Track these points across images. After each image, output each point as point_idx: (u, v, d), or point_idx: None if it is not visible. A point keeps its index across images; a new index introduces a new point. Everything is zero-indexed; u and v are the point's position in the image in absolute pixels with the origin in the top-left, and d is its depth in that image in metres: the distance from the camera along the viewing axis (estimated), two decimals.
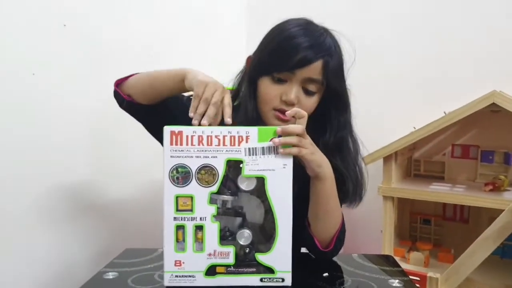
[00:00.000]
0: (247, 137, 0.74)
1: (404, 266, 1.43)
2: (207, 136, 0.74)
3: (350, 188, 0.97)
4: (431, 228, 1.65)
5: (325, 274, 0.86)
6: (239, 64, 1.05)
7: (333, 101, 0.95)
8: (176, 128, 0.74)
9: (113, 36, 1.33)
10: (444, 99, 1.60)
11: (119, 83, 1.01)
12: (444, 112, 1.46)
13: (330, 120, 0.96)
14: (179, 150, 0.74)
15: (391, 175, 1.49)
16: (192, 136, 0.74)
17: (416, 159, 1.70)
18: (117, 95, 1.01)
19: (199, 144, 0.74)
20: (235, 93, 1.01)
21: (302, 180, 0.86)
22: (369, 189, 1.55)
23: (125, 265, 0.93)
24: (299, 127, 0.78)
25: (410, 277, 0.88)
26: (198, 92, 0.80)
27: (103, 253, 1.29)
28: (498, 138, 1.53)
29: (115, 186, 1.37)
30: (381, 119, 1.76)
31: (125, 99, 0.98)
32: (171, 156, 0.74)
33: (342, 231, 0.94)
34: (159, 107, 0.98)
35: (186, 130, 0.74)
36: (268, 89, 0.90)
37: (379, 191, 1.50)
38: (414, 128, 1.55)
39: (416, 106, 1.69)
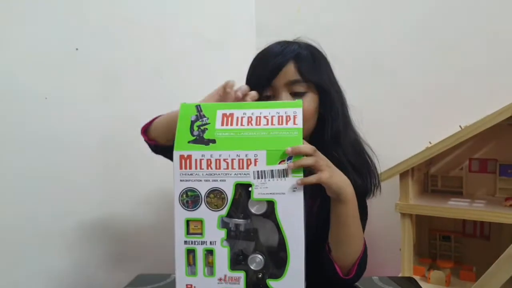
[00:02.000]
0: (255, 160, 0.72)
1: (425, 286, 1.39)
2: (216, 160, 0.73)
3: (357, 179, 0.92)
4: (451, 245, 1.60)
5: None
6: None
7: (323, 97, 0.94)
8: (186, 152, 0.74)
9: (124, 59, 1.33)
10: (459, 113, 1.57)
11: (145, 129, 1.02)
12: (460, 126, 1.43)
13: (324, 116, 0.95)
14: (188, 174, 0.74)
15: (408, 191, 1.46)
16: (201, 160, 0.73)
17: (433, 174, 1.66)
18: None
19: (207, 168, 0.73)
20: None
21: (323, 197, 0.84)
22: (385, 206, 1.53)
23: None
24: (310, 147, 0.75)
25: None
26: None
27: (115, 278, 1.27)
28: None
29: (126, 210, 1.35)
30: (396, 135, 1.73)
31: (150, 143, 1.01)
32: (180, 180, 0.74)
33: (363, 258, 0.89)
34: None
35: (195, 153, 0.73)
36: None
37: (396, 208, 1.47)
38: (430, 143, 1.52)
39: (431, 121, 1.66)
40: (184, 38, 1.57)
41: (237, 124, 0.76)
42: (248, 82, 0.96)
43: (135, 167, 1.36)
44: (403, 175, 1.46)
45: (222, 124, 0.76)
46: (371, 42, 1.78)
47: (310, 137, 0.95)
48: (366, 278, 0.96)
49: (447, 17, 1.63)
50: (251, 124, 0.76)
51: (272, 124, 0.75)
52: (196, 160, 0.73)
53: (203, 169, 0.73)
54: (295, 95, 0.91)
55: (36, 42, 1.08)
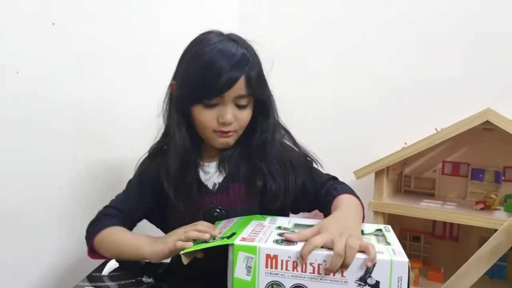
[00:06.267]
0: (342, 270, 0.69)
1: None
2: (302, 264, 0.70)
3: (276, 190, 0.96)
4: (420, 246, 1.63)
5: None
6: None
7: (259, 108, 0.99)
8: (272, 252, 0.71)
9: (102, 37, 1.28)
10: (435, 115, 1.59)
11: (92, 250, 0.99)
12: (436, 129, 1.45)
13: (256, 125, 1.00)
14: (274, 273, 0.71)
15: (382, 190, 1.47)
16: (287, 261, 0.70)
17: (406, 175, 1.68)
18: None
19: (293, 270, 0.70)
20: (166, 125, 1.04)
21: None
22: None
23: (105, 279, 0.88)
24: (312, 232, 0.75)
25: None
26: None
27: (80, 264, 1.23)
28: (490, 157, 1.52)
29: (99, 193, 1.31)
30: (373, 134, 1.74)
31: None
32: (266, 274, 0.71)
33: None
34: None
35: (281, 254, 0.71)
36: (203, 116, 0.93)
37: (370, 206, 1.47)
38: (405, 143, 1.54)
39: (408, 122, 1.68)
40: (168, 24, 1.54)
41: None
42: (187, 84, 0.95)
43: (112, 145, 1.33)
44: (378, 174, 1.47)
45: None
46: (354, 40, 1.79)
47: (237, 141, 1.00)
48: None
49: (429, 21, 1.65)
50: None
51: None
52: (282, 260, 0.70)
53: (288, 270, 0.70)
54: (239, 107, 0.94)
55: (9, 13, 1.03)
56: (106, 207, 1.06)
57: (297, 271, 0.70)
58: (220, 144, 0.97)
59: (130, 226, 1.06)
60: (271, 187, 0.96)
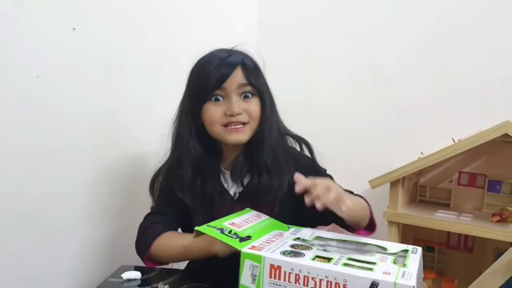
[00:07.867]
0: (344, 285, 0.69)
1: None
2: (304, 276, 0.71)
3: (267, 179, 1.01)
4: (434, 256, 1.62)
5: None
6: None
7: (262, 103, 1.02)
8: (275, 262, 0.73)
9: (122, 43, 1.30)
10: (452, 125, 1.58)
11: (148, 257, 1.01)
12: (453, 139, 1.44)
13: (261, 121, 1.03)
14: (277, 284, 0.73)
15: (397, 200, 1.46)
16: (289, 273, 0.72)
17: (422, 184, 1.66)
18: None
19: (295, 283, 0.71)
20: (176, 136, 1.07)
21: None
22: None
23: (121, 285, 0.89)
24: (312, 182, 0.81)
25: None
26: None
27: (96, 269, 1.25)
28: (507, 169, 1.50)
29: (114, 201, 1.33)
30: (389, 143, 1.74)
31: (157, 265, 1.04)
32: (269, 283, 0.73)
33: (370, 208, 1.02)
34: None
35: (284, 265, 0.72)
36: (211, 112, 0.98)
37: (384, 216, 1.47)
38: (422, 153, 1.53)
39: (425, 131, 1.66)
40: (186, 30, 1.55)
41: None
42: (195, 85, 1.01)
43: (129, 151, 1.34)
44: (394, 184, 1.47)
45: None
46: (371, 49, 1.78)
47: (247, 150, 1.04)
48: None
49: (447, 30, 1.63)
50: None
51: None
52: (285, 272, 0.72)
53: (291, 282, 0.72)
54: (245, 97, 0.99)
55: (30, 18, 1.04)
56: (147, 216, 1.10)
57: (299, 284, 0.71)
58: (233, 141, 0.99)
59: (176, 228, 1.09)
60: (264, 179, 1.00)
